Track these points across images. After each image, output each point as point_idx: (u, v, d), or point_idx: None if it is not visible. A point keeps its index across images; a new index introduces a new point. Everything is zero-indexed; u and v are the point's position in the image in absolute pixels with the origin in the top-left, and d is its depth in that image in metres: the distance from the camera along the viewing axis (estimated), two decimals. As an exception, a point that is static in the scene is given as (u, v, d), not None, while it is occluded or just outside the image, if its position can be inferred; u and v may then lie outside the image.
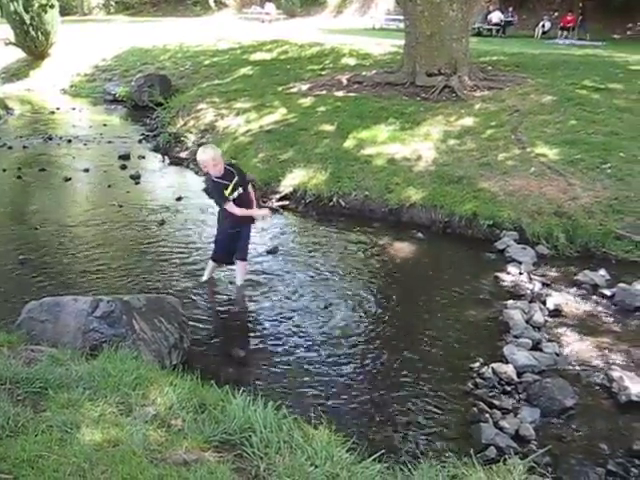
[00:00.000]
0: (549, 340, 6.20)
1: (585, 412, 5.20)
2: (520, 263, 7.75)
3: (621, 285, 7.14)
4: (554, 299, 6.94)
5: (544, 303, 6.87)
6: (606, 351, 6.07)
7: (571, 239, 8.32)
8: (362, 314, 6.72)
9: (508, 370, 5.57)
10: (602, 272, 7.57)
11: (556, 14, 34.35)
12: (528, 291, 7.14)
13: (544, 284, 7.37)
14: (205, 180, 7.21)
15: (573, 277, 7.55)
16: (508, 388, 5.45)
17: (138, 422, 3.81)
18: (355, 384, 5.54)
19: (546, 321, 6.56)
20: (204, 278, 7.39)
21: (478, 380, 5.53)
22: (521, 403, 5.26)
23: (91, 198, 10.57)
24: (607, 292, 7.19)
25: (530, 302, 6.82)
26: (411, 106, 12.73)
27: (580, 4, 33.16)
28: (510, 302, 6.78)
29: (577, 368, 5.79)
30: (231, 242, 7.13)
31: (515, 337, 6.14)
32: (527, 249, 8.10)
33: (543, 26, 32.40)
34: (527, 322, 6.40)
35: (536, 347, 6.02)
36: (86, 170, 12.06)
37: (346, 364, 5.81)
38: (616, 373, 5.51)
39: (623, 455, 4.71)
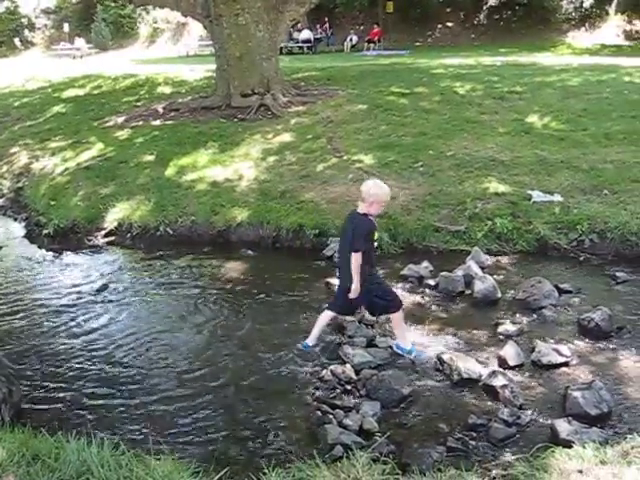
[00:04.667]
0: (383, 335, 6.43)
1: (422, 397, 5.44)
2: (348, 266, 7.99)
3: (443, 274, 7.55)
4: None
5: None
6: (436, 336, 6.42)
7: (394, 237, 8.72)
8: (198, 337, 6.68)
9: (346, 369, 5.71)
10: (425, 264, 7.98)
11: (362, 28, 36.01)
12: (359, 292, 7.37)
13: (373, 283, 7.66)
14: (353, 216, 5.98)
15: (400, 272, 7.90)
16: (348, 387, 5.57)
17: (-38, 485, 3.58)
18: (197, 406, 5.46)
19: (378, 317, 6.82)
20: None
21: (319, 384, 5.63)
22: (362, 399, 5.41)
23: None
24: (431, 282, 7.60)
25: (361, 302, 7.05)
26: (229, 128, 12.85)
27: (383, 17, 34.95)
28: (342, 304, 6.96)
29: (411, 357, 6.06)
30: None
31: (350, 337, 6.32)
32: (354, 252, 8.37)
33: (351, 40, 33.84)
34: (359, 321, 6.61)
35: (371, 344, 6.23)
36: None
37: (186, 386, 5.73)
38: (446, 355, 5.82)
39: (460, 430, 4.97)
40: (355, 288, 5.86)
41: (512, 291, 7.33)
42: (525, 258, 8.38)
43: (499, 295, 7.17)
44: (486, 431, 4.92)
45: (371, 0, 36.58)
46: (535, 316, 6.80)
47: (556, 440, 4.66)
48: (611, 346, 6.16)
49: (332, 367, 5.76)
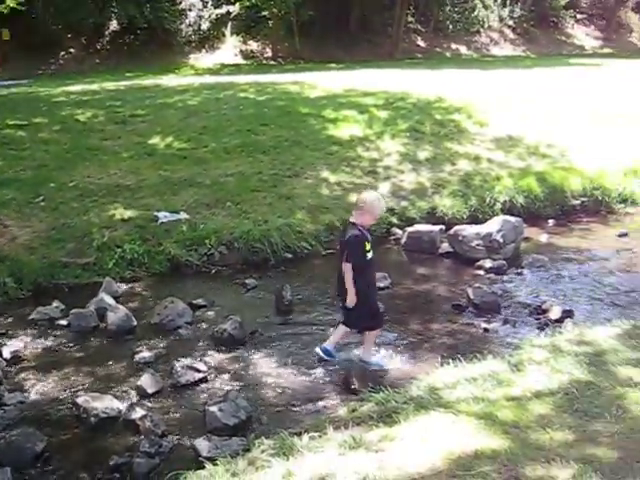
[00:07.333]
0: (11, 391, 5.86)
1: (60, 449, 5.08)
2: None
3: (74, 311, 7.15)
4: (10, 347, 6.60)
5: (0, 355, 6.52)
6: (72, 380, 6.05)
7: (19, 280, 8.06)
8: None
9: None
10: (56, 304, 7.50)
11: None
12: (-21, 349, 6.67)
13: (-1, 335, 7.01)
14: (345, 226, 6.22)
15: (28, 318, 7.32)
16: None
17: None
18: None
19: (7, 372, 6.21)
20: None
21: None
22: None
23: None
24: (63, 322, 7.16)
25: (-16, 359, 6.38)
26: None
27: None
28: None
29: (46, 408, 5.62)
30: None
31: (-29, 401, 5.68)
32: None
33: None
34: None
35: (-3, 403, 5.67)
36: None
37: None
38: (81, 398, 5.49)
39: (103, 475, 4.74)
40: (350, 299, 5.91)
41: (148, 316, 7.24)
42: (160, 280, 8.36)
43: (134, 323, 7.00)
44: (130, 468, 4.73)
45: (-17, 29, 34.18)
46: (172, 337, 6.79)
47: (199, 460, 4.65)
48: (245, 353, 6.42)
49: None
